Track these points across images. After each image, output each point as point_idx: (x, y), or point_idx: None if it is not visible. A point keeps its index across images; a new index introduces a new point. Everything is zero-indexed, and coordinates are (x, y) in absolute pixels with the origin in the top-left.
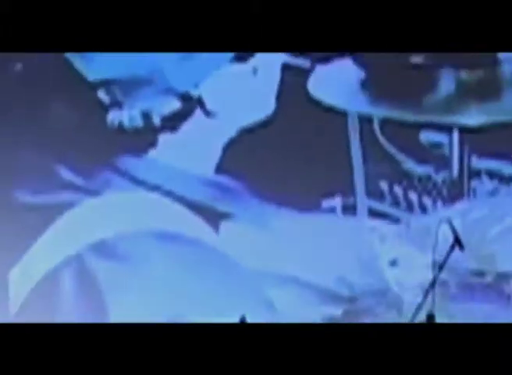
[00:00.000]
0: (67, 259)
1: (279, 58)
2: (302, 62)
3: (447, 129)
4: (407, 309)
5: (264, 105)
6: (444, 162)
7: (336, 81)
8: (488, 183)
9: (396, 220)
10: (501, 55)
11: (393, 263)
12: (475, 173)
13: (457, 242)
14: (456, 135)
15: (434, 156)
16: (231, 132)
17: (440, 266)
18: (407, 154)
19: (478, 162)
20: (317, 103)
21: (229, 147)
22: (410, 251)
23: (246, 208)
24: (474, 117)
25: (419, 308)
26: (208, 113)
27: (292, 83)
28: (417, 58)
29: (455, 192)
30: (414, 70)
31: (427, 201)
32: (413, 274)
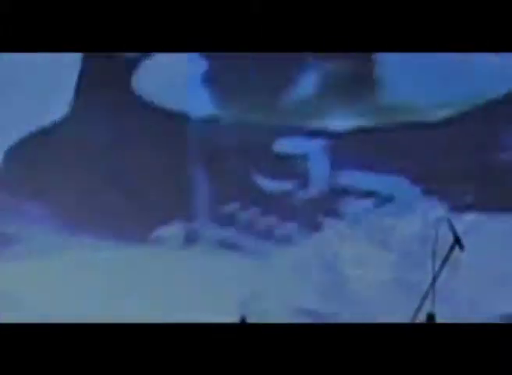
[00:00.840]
0: None
1: None
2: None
3: (308, 135)
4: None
5: (54, 103)
6: (304, 177)
7: (168, 76)
8: (358, 203)
9: (251, 252)
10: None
11: None
12: (342, 191)
13: (457, 242)
14: (319, 143)
15: (292, 170)
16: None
17: (440, 266)
18: (259, 167)
19: (345, 177)
20: (144, 103)
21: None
22: None
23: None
24: (340, 121)
25: (419, 308)
26: None
27: (103, 77)
28: None
29: (317, 214)
30: (267, 63)
31: (288, 226)
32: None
